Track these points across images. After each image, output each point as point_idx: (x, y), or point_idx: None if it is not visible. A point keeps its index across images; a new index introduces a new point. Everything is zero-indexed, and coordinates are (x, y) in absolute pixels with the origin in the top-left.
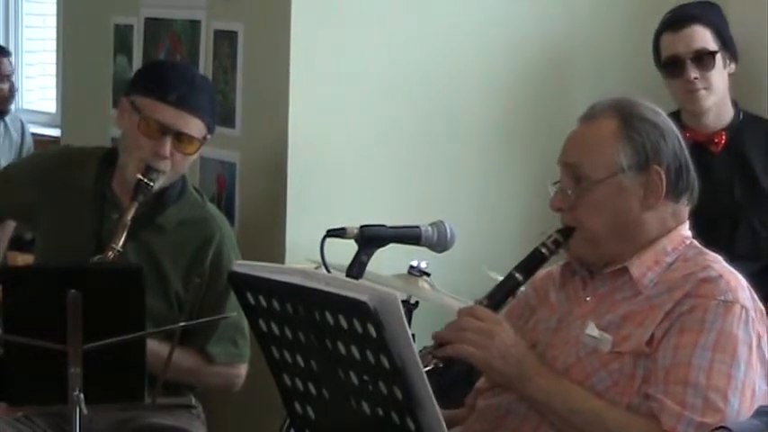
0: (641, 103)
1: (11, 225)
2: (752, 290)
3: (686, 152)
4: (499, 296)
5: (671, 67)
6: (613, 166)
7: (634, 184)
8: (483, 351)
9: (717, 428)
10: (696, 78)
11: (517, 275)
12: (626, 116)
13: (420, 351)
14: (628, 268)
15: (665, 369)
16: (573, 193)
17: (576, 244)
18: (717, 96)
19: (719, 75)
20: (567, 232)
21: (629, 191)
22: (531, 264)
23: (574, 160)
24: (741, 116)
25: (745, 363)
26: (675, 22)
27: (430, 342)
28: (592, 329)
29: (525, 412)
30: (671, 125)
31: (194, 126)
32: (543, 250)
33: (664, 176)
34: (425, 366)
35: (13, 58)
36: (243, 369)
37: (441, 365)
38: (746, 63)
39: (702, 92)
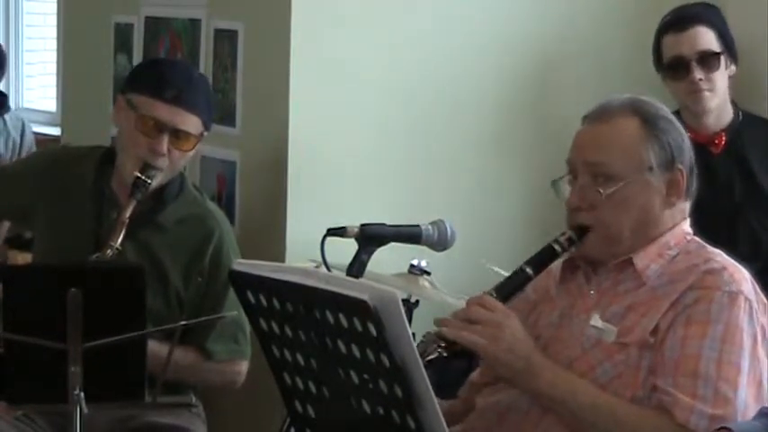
0: (655, 103)
1: (5, 225)
2: (754, 282)
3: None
4: (508, 289)
5: (675, 67)
6: (642, 165)
7: (660, 183)
8: (491, 343)
9: (719, 429)
10: (701, 80)
11: (528, 270)
12: (646, 115)
13: (423, 337)
14: (632, 260)
15: (674, 361)
16: (597, 193)
17: (591, 243)
18: (719, 98)
19: (722, 76)
20: (581, 231)
21: (655, 189)
22: (543, 259)
23: (597, 159)
24: (741, 116)
25: (751, 353)
26: (679, 22)
27: None
28: (596, 320)
29: (527, 408)
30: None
31: (191, 123)
32: (556, 247)
33: (685, 175)
34: (429, 355)
35: None
36: (243, 366)
37: (444, 355)
38: (746, 64)
39: (707, 93)
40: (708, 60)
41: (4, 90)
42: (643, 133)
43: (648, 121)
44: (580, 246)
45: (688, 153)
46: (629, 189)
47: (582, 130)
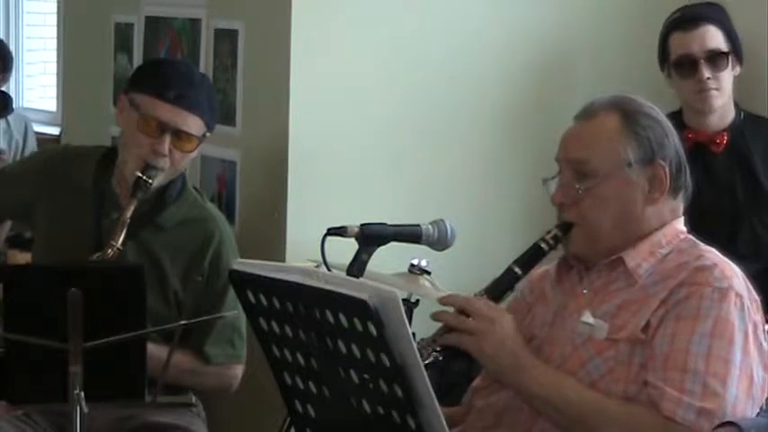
0: (640, 100)
1: (6, 225)
2: (746, 279)
3: (682, 149)
4: (498, 290)
5: (683, 66)
6: (620, 161)
7: (640, 179)
8: (481, 338)
9: (724, 423)
10: (709, 78)
11: (516, 269)
12: (628, 112)
13: (419, 342)
14: (623, 258)
15: (664, 356)
16: (578, 189)
17: (576, 240)
18: (725, 97)
19: (729, 76)
20: (566, 228)
21: (635, 185)
22: (530, 258)
23: (578, 156)
24: (742, 116)
25: (742, 349)
26: (687, 20)
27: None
28: (587, 317)
29: (522, 407)
30: (668, 122)
31: (193, 124)
32: (542, 245)
33: (668, 171)
34: (425, 359)
35: None
36: (239, 370)
37: (441, 358)
38: (747, 64)
39: (714, 92)
40: (716, 59)
41: (4, 90)
42: (621, 129)
43: (628, 116)
44: (566, 243)
45: (673, 149)
46: (606, 185)
47: (568, 128)
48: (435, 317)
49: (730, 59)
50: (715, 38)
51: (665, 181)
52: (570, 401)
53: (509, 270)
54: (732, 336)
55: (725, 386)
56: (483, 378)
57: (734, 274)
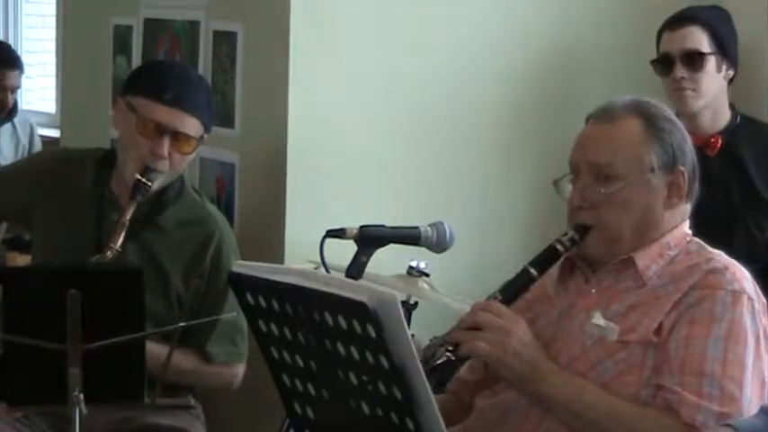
0: (658, 105)
1: (3, 226)
2: (755, 282)
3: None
4: (513, 291)
5: (662, 64)
6: (645, 166)
7: (661, 184)
8: (498, 348)
9: (722, 426)
10: (683, 78)
11: (532, 270)
12: (649, 116)
13: (431, 340)
14: (633, 259)
15: (679, 360)
16: (600, 193)
17: (593, 242)
18: (706, 100)
19: (710, 78)
20: (583, 230)
21: (657, 191)
22: (546, 260)
23: (601, 160)
24: (738, 119)
25: (754, 352)
26: (675, 21)
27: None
28: (598, 319)
29: (528, 409)
30: (684, 127)
31: (191, 125)
32: (558, 247)
33: (686, 176)
34: (438, 359)
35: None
36: (241, 368)
37: (452, 359)
38: (746, 66)
39: (689, 92)
40: (692, 60)
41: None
42: (645, 134)
43: (651, 122)
44: (582, 245)
45: (690, 155)
46: (630, 190)
47: (586, 129)
48: (449, 338)
49: (711, 61)
50: (696, 38)
51: (683, 186)
52: (589, 407)
53: (524, 271)
54: (746, 339)
55: (741, 390)
56: (472, 370)
57: (744, 277)
